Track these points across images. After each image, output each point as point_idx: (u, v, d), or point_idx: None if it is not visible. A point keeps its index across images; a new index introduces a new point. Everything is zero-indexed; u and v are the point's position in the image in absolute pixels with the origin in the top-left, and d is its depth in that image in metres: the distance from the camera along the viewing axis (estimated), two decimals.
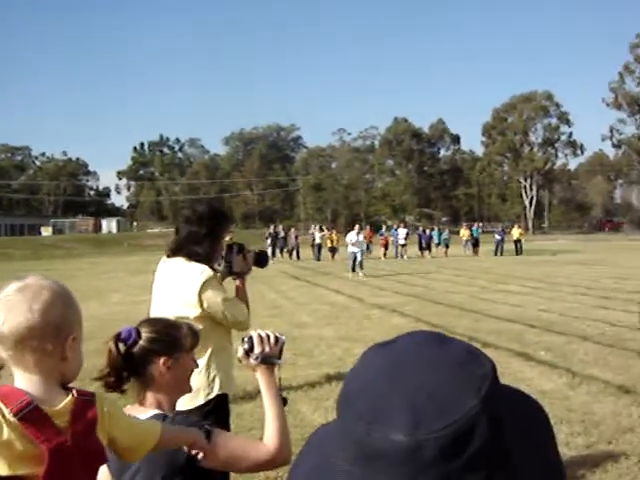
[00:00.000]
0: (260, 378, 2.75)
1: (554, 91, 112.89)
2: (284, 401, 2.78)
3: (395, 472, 0.77)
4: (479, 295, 19.75)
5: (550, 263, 34.60)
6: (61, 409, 1.78)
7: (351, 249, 29.40)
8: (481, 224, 59.14)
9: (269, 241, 43.06)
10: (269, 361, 2.77)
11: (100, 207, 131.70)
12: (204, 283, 4.16)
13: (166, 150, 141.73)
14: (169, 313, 3.78)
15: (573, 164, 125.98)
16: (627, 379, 9.04)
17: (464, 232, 48.25)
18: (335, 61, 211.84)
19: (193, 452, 2.29)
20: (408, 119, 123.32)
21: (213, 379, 4.15)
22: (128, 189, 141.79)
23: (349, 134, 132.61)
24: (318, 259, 42.05)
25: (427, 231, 47.32)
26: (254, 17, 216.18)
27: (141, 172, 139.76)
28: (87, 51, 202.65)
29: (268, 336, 2.79)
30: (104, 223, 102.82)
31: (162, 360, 2.49)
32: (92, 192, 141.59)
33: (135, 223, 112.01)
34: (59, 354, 1.81)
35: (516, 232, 45.94)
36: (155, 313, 4.10)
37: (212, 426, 2.55)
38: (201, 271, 4.20)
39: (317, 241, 43.28)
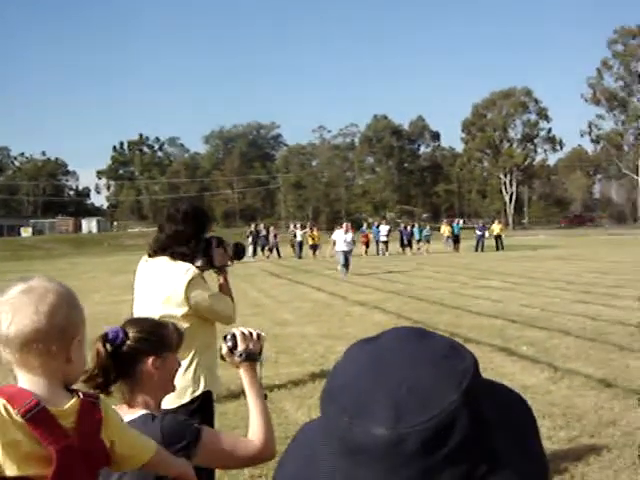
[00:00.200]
0: (243, 375, 2.81)
1: (533, 87, 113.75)
2: (264, 397, 2.84)
3: (377, 466, 0.78)
4: (460, 291, 19.81)
5: (530, 258, 34.75)
6: (67, 410, 1.77)
7: (340, 247, 28.03)
8: (462, 220, 59.29)
9: (250, 239, 42.97)
10: (253, 358, 2.83)
11: (80, 207, 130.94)
12: (190, 281, 4.16)
13: (146, 149, 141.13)
14: (154, 312, 3.78)
15: (552, 160, 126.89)
16: (608, 373, 9.10)
17: (445, 228, 48.38)
18: (314, 59, 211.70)
19: None
20: (388, 116, 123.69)
21: (198, 377, 4.15)
22: (108, 189, 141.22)
23: (329, 132, 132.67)
24: (299, 257, 42.02)
25: (408, 228, 47.38)
26: (233, 16, 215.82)
27: (121, 171, 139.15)
28: (66, 50, 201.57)
29: (250, 333, 2.86)
30: (84, 223, 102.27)
31: (151, 360, 2.48)
32: (72, 192, 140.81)
33: (115, 223, 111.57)
34: (64, 356, 1.80)
35: (497, 228, 46.11)
36: (139, 313, 4.09)
37: (201, 424, 2.57)
38: (186, 269, 4.19)
39: (298, 239, 43.25)
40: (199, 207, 4.68)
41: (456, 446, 0.78)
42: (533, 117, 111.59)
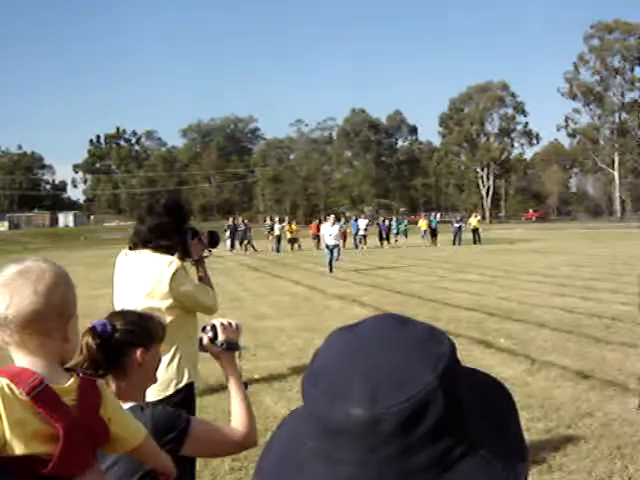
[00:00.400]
0: (224, 365, 2.87)
1: (510, 81, 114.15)
2: (245, 386, 2.88)
3: (357, 445, 0.80)
4: (438, 284, 19.89)
5: (508, 252, 34.95)
6: (68, 387, 1.77)
7: (328, 241, 26.95)
8: (439, 214, 59.42)
9: (228, 233, 42.86)
10: (234, 347, 2.89)
11: (56, 201, 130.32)
12: (174, 273, 4.15)
13: (123, 143, 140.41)
14: (136, 305, 3.77)
15: (529, 153, 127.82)
16: (585, 364, 9.18)
17: (422, 222, 48.42)
18: (292, 52, 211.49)
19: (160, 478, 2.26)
20: (365, 110, 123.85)
21: (182, 369, 4.15)
22: (85, 182, 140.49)
23: (307, 125, 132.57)
24: (277, 250, 41.99)
25: (386, 221, 47.42)
26: (210, 9, 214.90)
27: (97, 165, 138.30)
28: (42, 43, 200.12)
29: (230, 324, 2.91)
30: (61, 217, 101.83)
31: (139, 352, 2.48)
32: (48, 186, 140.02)
33: (92, 217, 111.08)
34: (61, 335, 1.80)
35: (474, 221, 46.27)
36: (120, 306, 4.06)
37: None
38: (169, 262, 4.19)
39: (277, 232, 43.18)
40: (179, 200, 4.68)
41: (432, 426, 0.80)
42: (510, 111, 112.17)
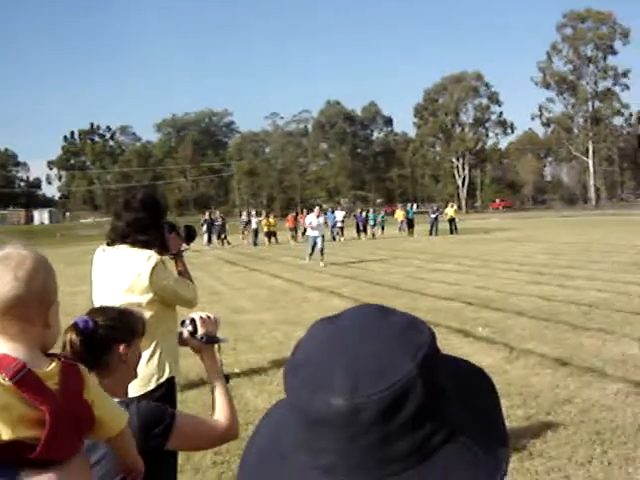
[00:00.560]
0: (205, 358, 2.90)
1: (484, 71, 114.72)
2: (226, 378, 2.92)
3: (338, 435, 0.81)
4: (416, 275, 19.94)
5: (484, 241, 35.10)
6: (50, 372, 1.75)
7: (311, 233, 26.72)
8: (415, 205, 59.52)
9: (205, 228, 42.75)
10: (214, 340, 2.93)
11: (31, 198, 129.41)
12: (154, 267, 4.13)
13: (97, 138, 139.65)
14: (116, 301, 3.76)
15: (504, 143, 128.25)
16: (563, 352, 9.24)
17: (399, 213, 48.43)
18: (266, 45, 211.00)
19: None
20: (340, 102, 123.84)
21: (163, 364, 4.13)
22: (59, 179, 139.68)
23: (282, 118, 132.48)
24: (255, 244, 41.93)
25: (363, 213, 47.47)
26: (184, 2, 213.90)
27: (72, 161, 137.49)
28: (14, 40, 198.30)
29: (208, 317, 2.94)
30: (36, 214, 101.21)
31: (122, 347, 2.47)
32: (22, 183, 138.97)
33: (68, 213, 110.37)
34: (43, 322, 1.79)
35: (450, 211, 46.26)
36: (99, 302, 4.05)
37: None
38: (149, 256, 4.16)
39: (254, 226, 43.10)
40: (155, 194, 4.65)
41: (412, 414, 0.81)
42: (484, 101, 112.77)
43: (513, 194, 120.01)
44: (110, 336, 2.44)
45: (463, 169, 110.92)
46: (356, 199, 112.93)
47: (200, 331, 2.88)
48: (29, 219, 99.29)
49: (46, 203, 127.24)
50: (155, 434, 2.38)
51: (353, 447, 0.81)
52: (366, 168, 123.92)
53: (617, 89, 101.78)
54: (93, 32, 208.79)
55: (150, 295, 4.13)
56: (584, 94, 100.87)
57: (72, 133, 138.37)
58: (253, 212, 46.73)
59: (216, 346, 2.94)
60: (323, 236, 26.84)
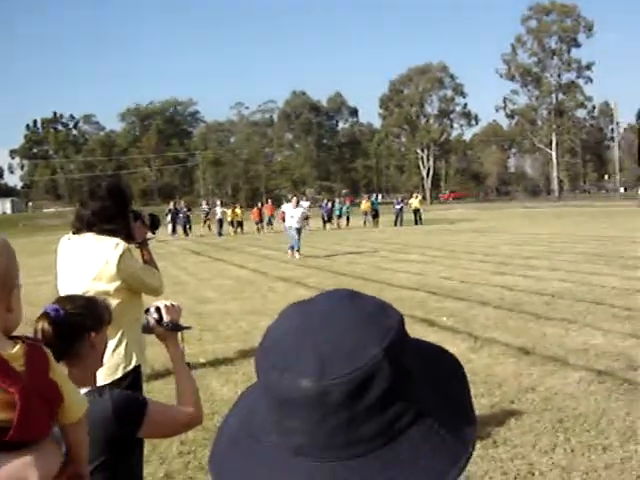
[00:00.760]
0: (169, 345, 2.93)
1: (449, 63, 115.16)
2: (188, 366, 2.96)
3: (306, 416, 0.82)
4: (381, 265, 20.02)
5: (449, 232, 35.30)
6: (15, 354, 1.73)
7: (289, 223, 25.74)
8: (380, 195, 59.69)
9: (169, 218, 42.52)
10: (179, 327, 2.97)
11: None
12: (122, 255, 4.13)
13: (60, 127, 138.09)
14: (83, 289, 3.76)
15: (468, 134, 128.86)
16: (527, 341, 9.33)
17: (365, 204, 48.41)
18: (231, 34, 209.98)
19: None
20: (306, 92, 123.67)
21: (130, 352, 4.13)
22: (22, 168, 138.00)
23: (247, 108, 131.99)
24: (220, 234, 41.81)
25: (329, 203, 47.49)
26: None
27: (35, 150, 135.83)
28: None
29: (172, 305, 2.97)
30: None
31: (92, 335, 2.46)
32: None
33: (30, 203, 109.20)
34: (5, 305, 1.77)
35: (415, 202, 46.40)
36: (65, 291, 4.01)
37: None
38: (116, 244, 4.15)
39: (218, 216, 42.96)
40: (120, 183, 4.64)
41: (379, 396, 0.82)
42: (449, 93, 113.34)
43: (477, 185, 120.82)
44: (81, 324, 2.42)
45: (428, 160, 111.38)
46: (321, 189, 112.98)
47: (166, 318, 2.91)
48: None
49: (8, 192, 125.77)
50: (129, 420, 2.39)
51: (321, 428, 0.82)
52: (331, 159, 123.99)
53: (581, 82, 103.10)
54: (55, 20, 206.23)
55: (117, 283, 4.12)
56: (548, 86, 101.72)
57: (35, 122, 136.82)
58: (218, 202, 46.58)
59: (179, 336, 2.97)
60: (301, 228, 26.17)
